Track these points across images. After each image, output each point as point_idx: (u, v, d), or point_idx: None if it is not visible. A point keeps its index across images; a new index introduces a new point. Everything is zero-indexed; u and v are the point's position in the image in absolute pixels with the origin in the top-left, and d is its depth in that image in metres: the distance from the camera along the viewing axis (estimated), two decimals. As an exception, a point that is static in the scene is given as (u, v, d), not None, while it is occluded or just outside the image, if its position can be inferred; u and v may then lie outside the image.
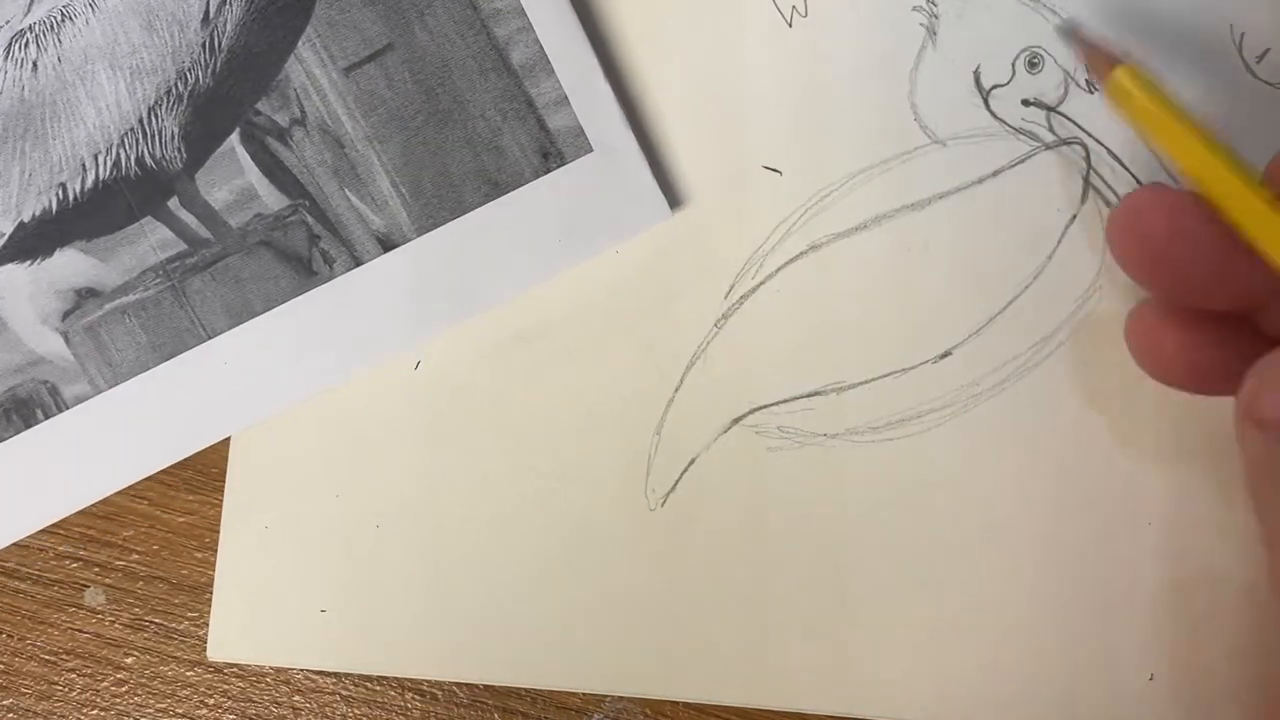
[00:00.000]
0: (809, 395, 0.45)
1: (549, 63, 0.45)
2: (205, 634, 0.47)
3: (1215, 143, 0.37)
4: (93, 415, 0.46)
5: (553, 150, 0.45)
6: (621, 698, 0.46)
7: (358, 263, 0.46)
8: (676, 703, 0.46)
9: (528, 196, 0.46)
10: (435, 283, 0.46)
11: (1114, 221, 0.39)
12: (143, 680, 0.48)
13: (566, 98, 0.45)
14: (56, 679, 0.48)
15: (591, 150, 0.45)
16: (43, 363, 0.46)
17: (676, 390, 0.46)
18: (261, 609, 0.47)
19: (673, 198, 0.46)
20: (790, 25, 0.46)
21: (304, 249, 0.46)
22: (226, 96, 0.45)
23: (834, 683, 0.44)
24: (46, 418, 0.46)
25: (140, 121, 0.45)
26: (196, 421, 0.46)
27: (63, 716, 0.48)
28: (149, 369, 0.46)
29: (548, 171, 0.46)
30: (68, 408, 0.46)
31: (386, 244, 0.46)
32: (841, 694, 0.44)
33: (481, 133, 0.45)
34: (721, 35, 0.46)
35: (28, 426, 0.46)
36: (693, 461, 0.45)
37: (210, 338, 0.46)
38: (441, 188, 0.46)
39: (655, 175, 0.46)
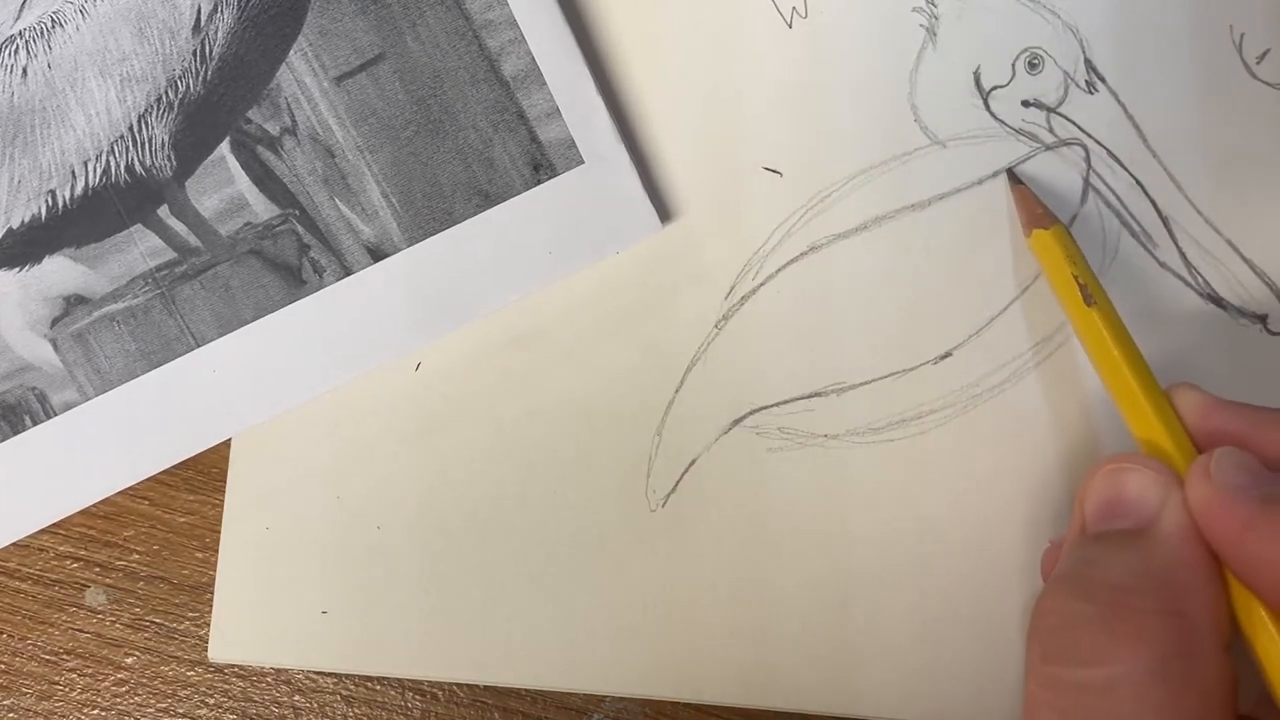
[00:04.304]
0: (809, 396, 0.45)
1: (541, 74, 0.45)
2: (206, 634, 0.47)
3: (1112, 319, 0.39)
4: (81, 422, 0.46)
5: (544, 162, 0.45)
6: (621, 698, 0.46)
7: (347, 272, 0.46)
8: (676, 703, 0.46)
9: (518, 208, 0.45)
10: (425, 293, 0.46)
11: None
12: (143, 680, 0.48)
13: (558, 109, 0.45)
14: (57, 679, 0.48)
15: (583, 162, 0.45)
16: (31, 369, 0.46)
17: (677, 391, 0.46)
18: (262, 610, 0.47)
19: (670, 204, 0.46)
20: (790, 26, 0.45)
21: (294, 258, 0.45)
22: (217, 105, 0.45)
23: (834, 683, 0.44)
24: (35, 424, 0.46)
25: (130, 129, 0.45)
26: (185, 429, 0.46)
27: (63, 716, 0.48)
28: (138, 376, 0.46)
29: (538, 183, 0.45)
30: (56, 414, 0.46)
31: (376, 254, 0.45)
32: (841, 694, 0.44)
33: (473, 144, 0.45)
34: (720, 38, 0.46)
35: (15, 433, 0.46)
36: (693, 462, 0.45)
37: (199, 346, 0.46)
38: (432, 198, 0.45)
39: (649, 185, 0.45)
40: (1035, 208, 0.43)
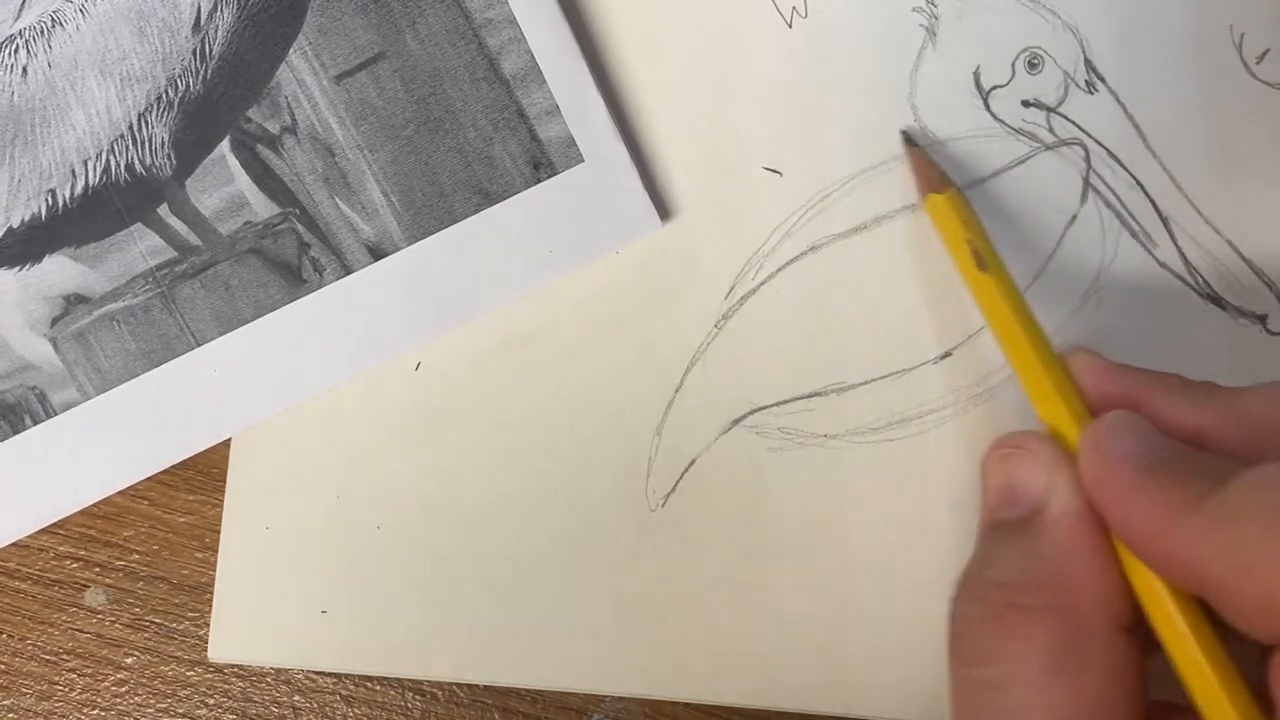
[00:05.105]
0: (809, 396, 0.45)
1: (540, 73, 0.45)
2: (206, 634, 0.47)
3: (1006, 284, 0.39)
4: (81, 422, 0.46)
5: (544, 160, 0.45)
6: (621, 698, 0.46)
7: (347, 271, 0.46)
8: (676, 703, 0.46)
9: (518, 206, 0.45)
10: (425, 292, 0.46)
11: None
12: (143, 680, 0.48)
13: (558, 108, 0.45)
14: (57, 679, 0.48)
15: (582, 160, 0.45)
16: (31, 369, 0.46)
17: (677, 391, 0.45)
18: (262, 609, 0.47)
19: (669, 203, 0.46)
20: (790, 26, 0.45)
21: (294, 257, 0.46)
22: (217, 103, 0.45)
23: (834, 683, 0.44)
24: (35, 424, 0.46)
25: (130, 128, 0.45)
26: (185, 428, 0.46)
27: (63, 716, 0.48)
28: (137, 376, 0.46)
29: (538, 182, 0.45)
30: (56, 414, 0.46)
31: (377, 253, 0.46)
32: (841, 694, 0.44)
33: (473, 142, 0.45)
34: (720, 38, 0.46)
35: (15, 432, 0.46)
36: (693, 462, 0.45)
37: (199, 345, 0.46)
38: (432, 197, 0.45)
39: (649, 184, 0.45)
40: (930, 171, 0.43)
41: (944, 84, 0.45)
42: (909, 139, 0.44)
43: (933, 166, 0.43)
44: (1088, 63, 0.44)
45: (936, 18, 0.45)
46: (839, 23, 0.45)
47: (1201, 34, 0.44)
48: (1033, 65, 0.44)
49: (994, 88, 0.44)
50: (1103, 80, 0.44)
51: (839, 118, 0.45)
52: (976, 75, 0.45)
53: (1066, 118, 0.44)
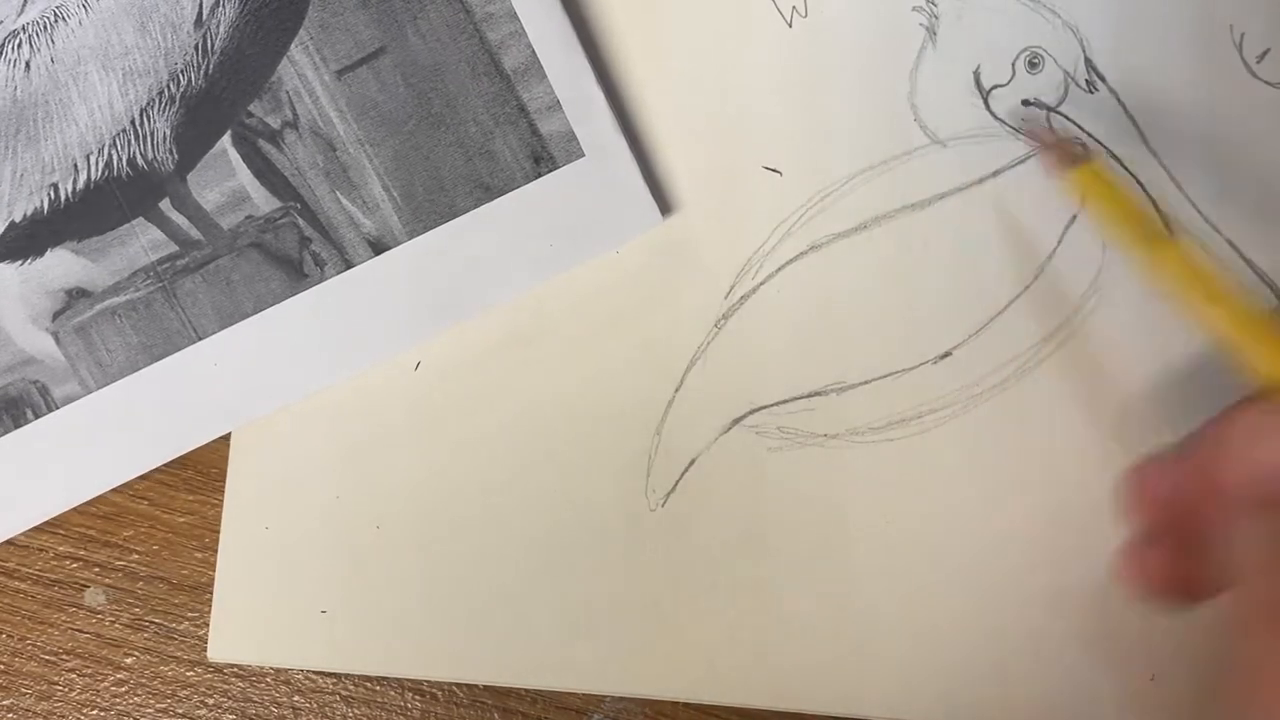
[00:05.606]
0: (809, 395, 0.45)
1: (541, 67, 0.45)
2: (205, 634, 0.47)
3: (1171, 239, 0.39)
4: (82, 415, 0.46)
5: (544, 155, 0.45)
6: (621, 698, 0.46)
7: (348, 265, 0.46)
8: (676, 703, 0.46)
9: (519, 201, 0.45)
10: (426, 286, 0.46)
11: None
12: (143, 680, 0.48)
13: (559, 102, 0.45)
14: (56, 679, 0.48)
15: (583, 155, 0.45)
16: (33, 362, 0.46)
17: (677, 390, 0.46)
18: (261, 609, 0.47)
19: (669, 201, 0.46)
20: (790, 25, 0.45)
21: (295, 251, 0.46)
22: (219, 98, 0.45)
23: (834, 683, 0.44)
24: (36, 417, 0.46)
25: (132, 123, 0.45)
26: (186, 422, 0.46)
27: (63, 716, 0.48)
28: (139, 369, 0.46)
29: (539, 176, 0.45)
30: (57, 407, 0.46)
31: (377, 247, 0.46)
32: (841, 694, 0.44)
33: (473, 137, 0.45)
34: (720, 36, 0.46)
35: (17, 426, 0.46)
36: (693, 462, 0.45)
37: (200, 339, 0.46)
38: (433, 191, 0.45)
39: (650, 179, 0.46)
40: (1064, 143, 0.42)
41: (944, 83, 0.45)
42: (1031, 113, 0.44)
43: (1064, 139, 0.42)
44: (1088, 62, 0.44)
45: (936, 17, 0.45)
46: (839, 22, 0.45)
47: (1201, 34, 0.44)
48: (1033, 65, 0.44)
49: (994, 87, 0.45)
50: (1103, 80, 0.44)
51: (839, 117, 0.45)
52: (976, 75, 0.45)
53: (1067, 117, 0.44)
